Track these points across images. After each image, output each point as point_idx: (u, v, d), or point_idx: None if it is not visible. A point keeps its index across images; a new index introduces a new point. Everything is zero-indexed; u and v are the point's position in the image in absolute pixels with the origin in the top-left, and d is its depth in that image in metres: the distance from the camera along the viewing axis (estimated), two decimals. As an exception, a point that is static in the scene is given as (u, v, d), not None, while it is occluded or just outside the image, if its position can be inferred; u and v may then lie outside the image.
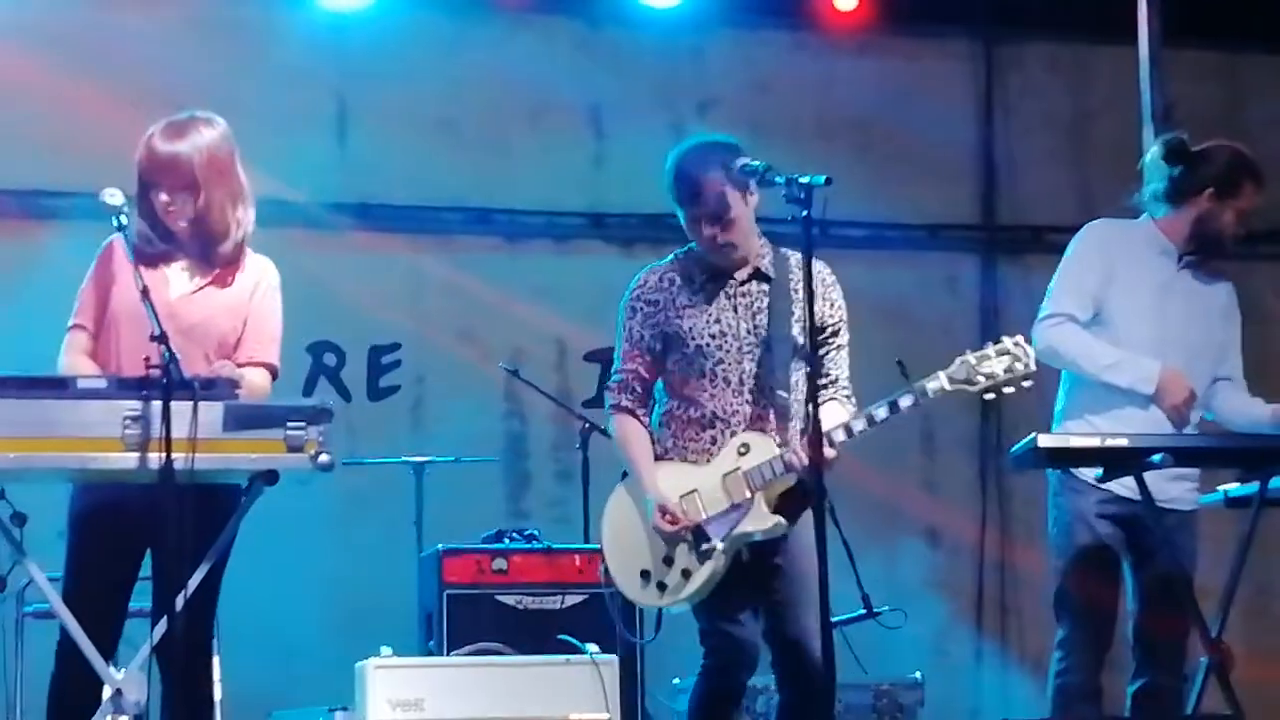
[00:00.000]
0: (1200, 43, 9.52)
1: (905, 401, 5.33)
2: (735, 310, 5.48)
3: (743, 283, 5.51)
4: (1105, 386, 5.90)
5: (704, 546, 5.36)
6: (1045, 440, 5.60)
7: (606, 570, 5.55)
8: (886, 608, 7.70)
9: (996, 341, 5.43)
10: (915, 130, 9.61)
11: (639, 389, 5.54)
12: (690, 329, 5.46)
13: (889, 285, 9.37)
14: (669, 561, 5.40)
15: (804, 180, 5.12)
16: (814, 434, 5.06)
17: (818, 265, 5.41)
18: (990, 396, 5.43)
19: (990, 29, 9.89)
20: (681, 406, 5.50)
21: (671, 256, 5.62)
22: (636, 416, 5.54)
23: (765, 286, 5.50)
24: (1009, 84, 9.99)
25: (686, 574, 5.37)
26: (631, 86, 9.41)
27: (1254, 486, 5.75)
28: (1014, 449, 5.75)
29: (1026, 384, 5.38)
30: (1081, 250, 6.09)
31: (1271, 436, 5.86)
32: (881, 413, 5.34)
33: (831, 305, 5.52)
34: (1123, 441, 5.54)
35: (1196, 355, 6.00)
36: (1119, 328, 5.96)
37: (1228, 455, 5.90)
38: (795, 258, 5.48)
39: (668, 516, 5.36)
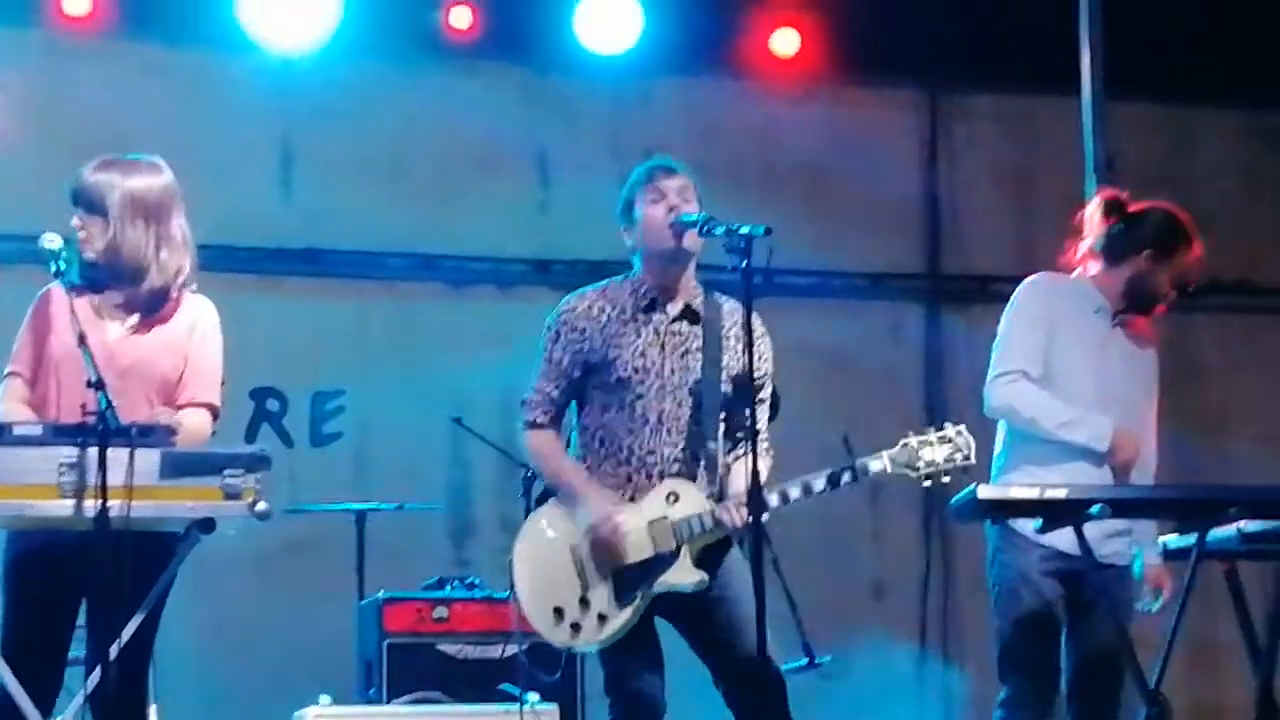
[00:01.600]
0: (1143, 95, 9.57)
1: (845, 478, 5.35)
2: (662, 347, 5.43)
3: (674, 319, 5.47)
4: (1046, 440, 5.92)
5: (626, 592, 5.29)
6: (985, 491, 5.59)
7: (516, 599, 5.44)
8: (829, 657, 7.73)
9: (940, 428, 5.45)
10: (861, 179, 9.65)
11: (553, 410, 5.47)
12: (614, 360, 5.40)
13: (833, 334, 9.39)
14: (585, 603, 5.31)
15: (744, 231, 5.11)
16: (753, 487, 5.03)
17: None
18: (928, 484, 5.45)
19: (936, 80, 9.94)
20: (598, 439, 5.43)
21: (604, 282, 5.56)
22: (554, 432, 5.47)
23: (696, 329, 5.46)
24: (954, 134, 10.04)
25: (603, 619, 5.30)
26: (578, 133, 9.42)
27: (1192, 538, 5.76)
28: (954, 500, 5.75)
29: (965, 472, 5.45)
30: (1025, 306, 6.11)
31: (1210, 487, 5.89)
32: (819, 484, 5.34)
33: (760, 357, 5.46)
34: (1061, 493, 5.54)
35: (1134, 413, 6.04)
36: (1061, 384, 5.98)
37: (1166, 506, 5.92)
38: (728, 305, 5.47)
39: (611, 526, 5.26)
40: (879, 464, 5.36)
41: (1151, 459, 6.17)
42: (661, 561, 5.30)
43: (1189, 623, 5.82)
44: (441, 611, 7.50)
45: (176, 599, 5.15)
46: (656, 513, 5.33)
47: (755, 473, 5.04)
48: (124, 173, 5.24)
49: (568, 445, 5.54)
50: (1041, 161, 9.78)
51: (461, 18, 9.23)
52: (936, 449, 5.37)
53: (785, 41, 9.62)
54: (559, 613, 5.34)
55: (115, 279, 5.25)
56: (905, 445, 5.38)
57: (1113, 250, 6.12)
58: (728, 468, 5.41)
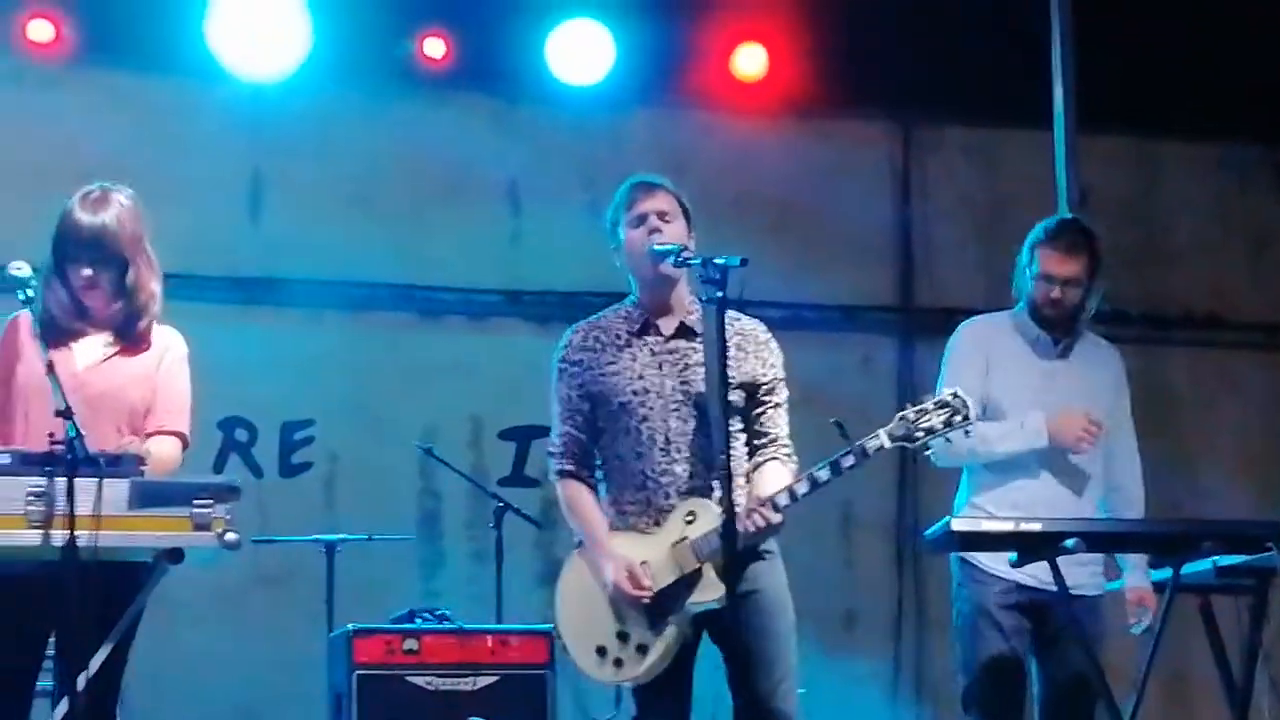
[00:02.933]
0: (1114, 129, 9.60)
1: (847, 462, 5.29)
2: (660, 367, 5.42)
3: (669, 338, 5.46)
4: (993, 469, 5.93)
5: (659, 620, 5.28)
6: (959, 524, 5.59)
7: (562, 645, 5.46)
8: (801, 689, 7.69)
9: (934, 395, 5.41)
10: (833, 211, 9.66)
11: (578, 451, 5.46)
12: (613, 386, 5.40)
13: (805, 366, 9.23)
14: (623, 637, 5.30)
15: (719, 261, 5.10)
16: (726, 500, 5.01)
17: (752, 324, 5.47)
18: (929, 452, 5.43)
19: (908, 112, 9.95)
20: (614, 468, 5.43)
21: (600, 314, 5.56)
22: (583, 480, 5.46)
23: (694, 344, 5.44)
24: (926, 167, 10.05)
25: (643, 649, 5.29)
26: (549, 164, 9.40)
27: (1168, 572, 5.75)
28: (928, 532, 5.73)
29: (969, 429, 5.37)
30: (955, 352, 6.17)
31: (1185, 521, 5.89)
32: (824, 474, 5.28)
33: (764, 363, 5.47)
34: (1036, 526, 5.53)
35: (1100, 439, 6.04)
36: (1010, 419, 5.98)
37: (1142, 540, 5.92)
38: (730, 316, 5.39)
39: (631, 579, 5.25)
40: (877, 442, 5.30)
41: (1135, 483, 6.15)
42: (688, 583, 5.29)
43: (1163, 656, 5.82)
44: (412, 644, 7.44)
45: (145, 630, 5.11)
46: (676, 535, 5.32)
47: (730, 506, 5.02)
48: (113, 208, 5.18)
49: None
50: (1014, 194, 9.78)
51: (435, 48, 9.23)
52: (934, 415, 5.32)
53: (757, 73, 9.62)
54: (601, 651, 5.34)
55: (117, 314, 5.21)
56: (902, 418, 5.33)
57: (1015, 278, 6.16)
58: (748, 477, 5.38)
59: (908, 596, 9.61)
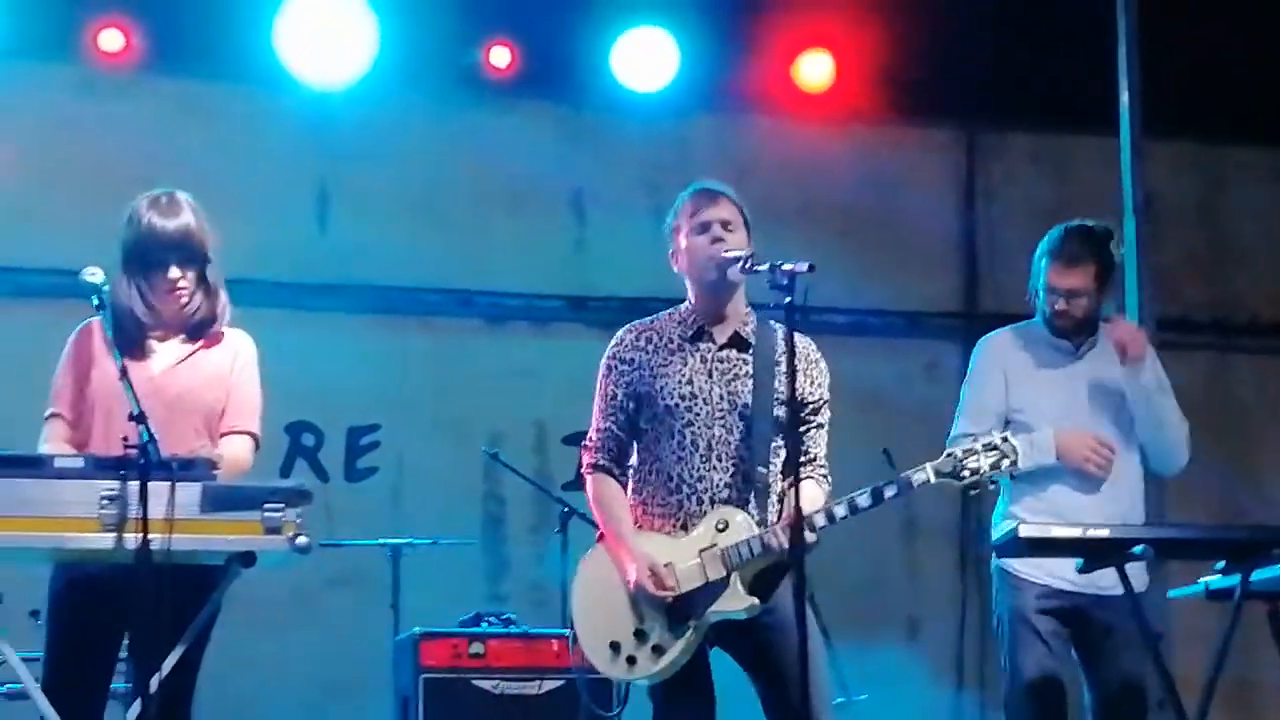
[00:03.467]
0: (1180, 134, 9.56)
1: (889, 492, 5.29)
2: (710, 375, 5.42)
3: (721, 347, 5.47)
4: (1027, 479, 5.91)
5: (678, 623, 5.27)
6: (1026, 530, 5.58)
7: (575, 638, 5.43)
8: (864, 695, 7.70)
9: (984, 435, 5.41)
10: (898, 217, 9.66)
11: (615, 448, 5.46)
12: (661, 388, 5.40)
13: (869, 372, 9.38)
14: (641, 635, 5.30)
15: (787, 267, 5.11)
16: (795, 516, 5.02)
17: (804, 341, 5.43)
18: (974, 492, 5.42)
19: (973, 119, 9.95)
20: (650, 469, 5.42)
21: (654, 316, 5.57)
22: (614, 476, 5.46)
23: (745, 355, 5.45)
24: (991, 173, 10.04)
25: (659, 650, 5.28)
26: (614, 170, 9.43)
27: (1235, 578, 5.73)
28: (995, 539, 5.72)
29: (1015, 473, 5.40)
30: (975, 367, 6.17)
31: (1254, 528, 5.85)
32: (864, 500, 5.29)
33: (812, 382, 5.46)
34: (1104, 532, 5.52)
35: (1122, 433, 6.01)
36: (1035, 429, 5.96)
37: (1210, 546, 5.88)
38: (781, 331, 5.43)
39: (654, 579, 5.27)
40: (922, 476, 5.31)
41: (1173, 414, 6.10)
42: (712, 590, 5.28)
43: (1230, 662, 5.78)
44: (478, 647, 7.48)
45: (217, 632, 5.15)
46: (705, 541, 5.31)
47: (798, 506, 5.03)
48: (188, 210, 5.24)
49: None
50: (1078, 200, 9.70)
51: (501, 56, 9.28)
52: (982, 457, 5.32)
53: (821, 80, 9.63)
54: (615, 647, 5.32)
55: (194, 315, 5.27)
56: (950, 455, 5.33)
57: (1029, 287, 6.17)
58: (782, 494, 5.39)
59: (971, 602, 9.59)
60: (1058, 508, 5.91)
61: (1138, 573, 5.92)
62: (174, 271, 5.21)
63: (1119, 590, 5.79)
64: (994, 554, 6.02)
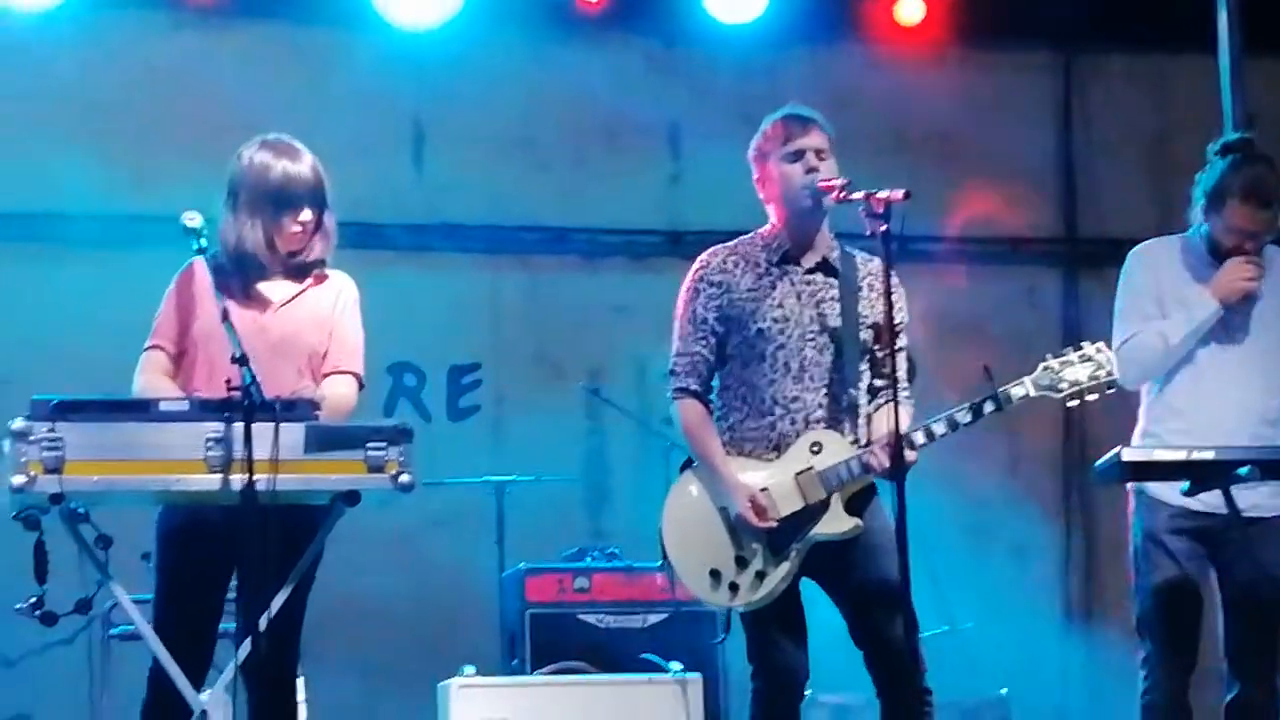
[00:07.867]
0: (1282, 51, 9.42)
1: (988, 407, 5.27)
2: (799, 297, 5.41)
3: (808, 270, 5.46)
4: (1169, 399, 5.83)
5: (780, 547, 5.28)
6: (1129, 454, 5.52)
7: (669, 566, 5.41)
8: (970, 623, 7.70)
9: (1079, 347, 5.38)
10: (995, 144, 9.58)
11: (705, 372, 5.43)
12: (754, 311, 5.38)
13: (969, 300, 9.35)
14: (741, 562, 5.28)
15: (882, 195, 5.09)
16: (895, 435, 5.01)
17: (877, 265, 5.35)
18: (1074, 404, 5.38)
19: (1069, 41, 9.84)
20: (738, 393, 5.40)
21: (735, 241, 5.53)
22: (704, 402, 5.44)
23: (832, 280, 5.45)
24: (1088, 96, 9.93)
25: (761, 576, 5.27)
26: (708, 104, 9.39)
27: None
28: (1098, 464, 5.68)
29: (1110, 390, 5.37)
30: (1128, 278, 6.02)
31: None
32: (964, 417, 5.28)
33: (897, 309, 5.41)
34: (1209, 454, 5.45)
35: (1271, 354, 5.92)
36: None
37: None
38: (862, 258, 5.45)
39: (755, 508, 5.26)
40: (1021, 390, 5.29)
41: None
42: (812, 513, 5.28)
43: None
44: (583, 582, 7.53)
45: (322, 571, 5.20)
46: (801, 464, 5.31)
47: (897, 424, 5.02)
48: (305, 154, 5.27)
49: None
50: (1178, 121, 9.63)
51: (591, -9, 9.26)
52: (1078, 368, 5.30)
53: (913, 7, 9.55)
54: (716, 575, 5.31)
55: (307, 256, 5.31)
56: (1046, 368, 5.31)
57: (1199, 200, 5.99)
58: (869, 417, 5.37)
59: (1075, 529, 9.56)
60: (1197, 425, 5.79)
61: (1272, 496, 5.81)
62: (306, 213, 5.24)
63: (1264, 513, 5.74)
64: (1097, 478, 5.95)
